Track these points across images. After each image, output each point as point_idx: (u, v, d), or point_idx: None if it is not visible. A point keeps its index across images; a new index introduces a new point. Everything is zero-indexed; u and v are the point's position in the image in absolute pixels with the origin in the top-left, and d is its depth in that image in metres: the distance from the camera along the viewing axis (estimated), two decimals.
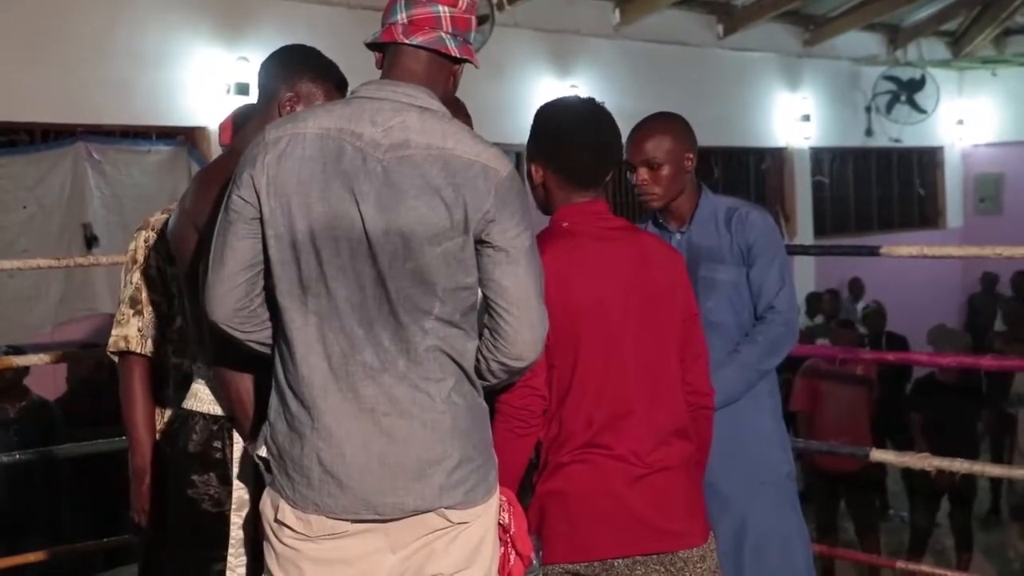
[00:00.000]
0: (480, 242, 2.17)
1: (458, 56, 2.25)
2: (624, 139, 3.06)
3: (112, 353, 2.97)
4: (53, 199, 6.95)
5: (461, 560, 2.19)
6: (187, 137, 7.62)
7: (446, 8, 2.23)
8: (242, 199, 2.15)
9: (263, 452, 2.23)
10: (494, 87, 8.41)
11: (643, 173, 3.16)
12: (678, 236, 3.25)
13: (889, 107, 13.34)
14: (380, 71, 2.29)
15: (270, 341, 2.24)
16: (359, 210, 2.11)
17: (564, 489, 2.52)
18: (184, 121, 7.53)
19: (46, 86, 6.78)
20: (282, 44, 2.65)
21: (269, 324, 2.23)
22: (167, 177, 7.42)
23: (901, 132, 13.55)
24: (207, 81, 7.49)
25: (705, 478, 2.83)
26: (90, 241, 7.08)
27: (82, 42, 6.96)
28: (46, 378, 6.28)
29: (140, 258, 2.94)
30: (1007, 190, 14.56)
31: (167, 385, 2.97)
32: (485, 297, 2.21)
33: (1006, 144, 14.49)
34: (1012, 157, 14.41)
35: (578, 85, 9.46)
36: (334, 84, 2.57)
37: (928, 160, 14.63)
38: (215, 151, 7.19)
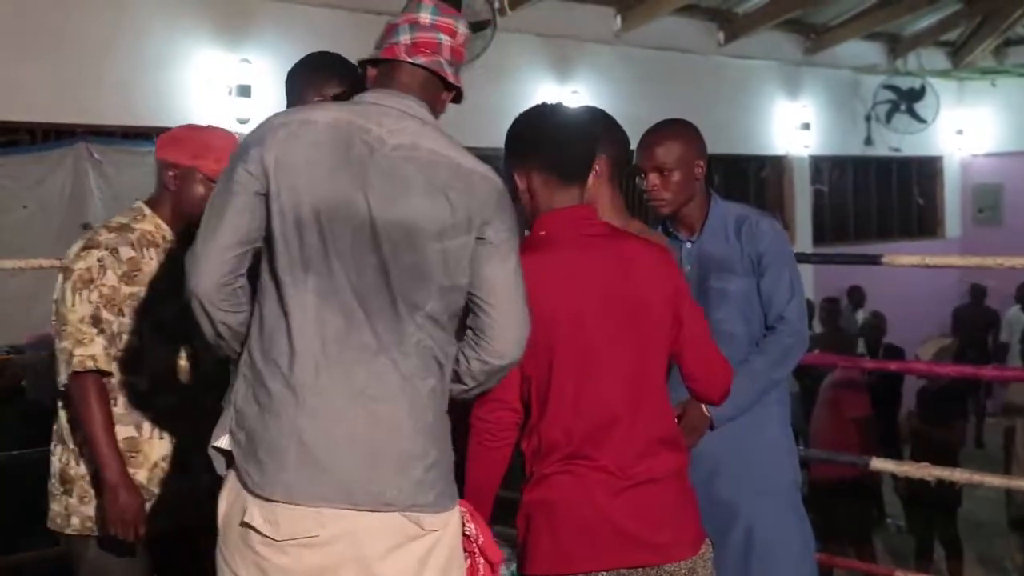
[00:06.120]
0: (475, 239, 2.24)
1: (452, 83, 2.35)
2: (632, 145, 3.08)
3: (76, 372, 2.90)
4: (54, 199, 6.93)
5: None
6: None
7: (447, 37, 2.34)
8: (248, 173, 2.17)
9: (224, 443, 2.21)
10: (495, 91, 8.39)
11: (653, 178, 3.17)
12: (689, 245, 3.26)
13: (889, 116, 13.33)
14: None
15: (241, 328, 2.24)
16: (366, 198, 2.17)
17: (548, 499, 2.49)
18: (185, 122, 7.48)
19: (48, 86, 6.77)
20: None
21: (246, 309, 2.23)
22: None
23: (901, 141, 13.53)
24: (209, 83, 7.48)
25: (713, 486, 2.81)
26: None
27: (84, 42, 6.95)
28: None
29: (95, 277, 2.94)
30: (1006, 200, 14.53)
31: (115, 403, 2.95)
32: (471, 297, 2.27)
33: (1005, 155, 14.47)
34: (1011, 167, 14.39)
35: (579, 91, 9.46)
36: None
37: (927, 170, 14.62)
38: None
